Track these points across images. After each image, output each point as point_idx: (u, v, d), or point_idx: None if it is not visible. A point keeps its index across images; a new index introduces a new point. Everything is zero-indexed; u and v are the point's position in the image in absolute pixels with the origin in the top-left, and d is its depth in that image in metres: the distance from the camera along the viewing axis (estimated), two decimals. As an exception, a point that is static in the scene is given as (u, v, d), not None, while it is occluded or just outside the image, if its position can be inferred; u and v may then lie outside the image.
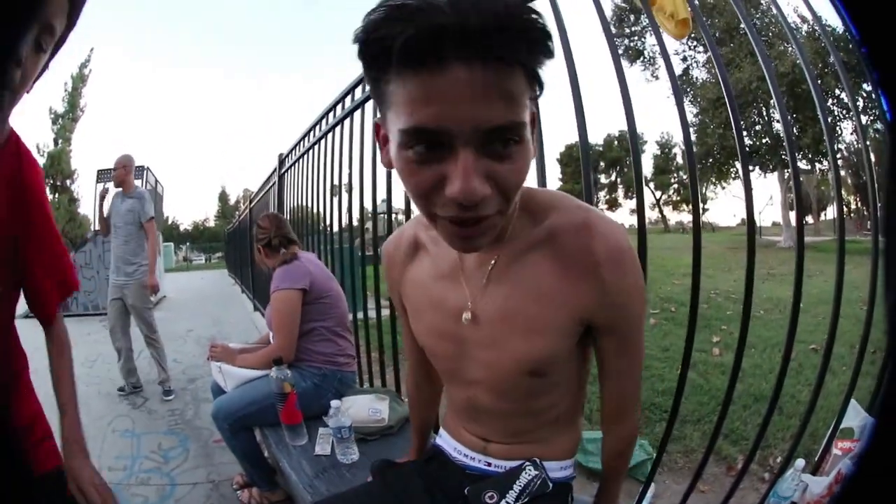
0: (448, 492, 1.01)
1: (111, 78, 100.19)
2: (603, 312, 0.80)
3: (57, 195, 30.93)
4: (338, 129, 2.88)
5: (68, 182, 31.62)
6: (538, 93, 0.64)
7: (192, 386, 4.46)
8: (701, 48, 20.93)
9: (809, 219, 38.10)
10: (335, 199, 2.95)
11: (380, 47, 0.57)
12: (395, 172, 0.69)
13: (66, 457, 1.05)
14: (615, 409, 0.93)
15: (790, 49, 17.84)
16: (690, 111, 24.49)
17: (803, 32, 16.30)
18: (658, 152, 53.58)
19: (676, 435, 2.94)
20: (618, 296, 0.78)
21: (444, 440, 1.09)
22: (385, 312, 2.46)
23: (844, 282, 1.38)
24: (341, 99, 2.81)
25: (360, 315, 2.79)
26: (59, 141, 31.41)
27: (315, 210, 3.56)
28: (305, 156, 3.78)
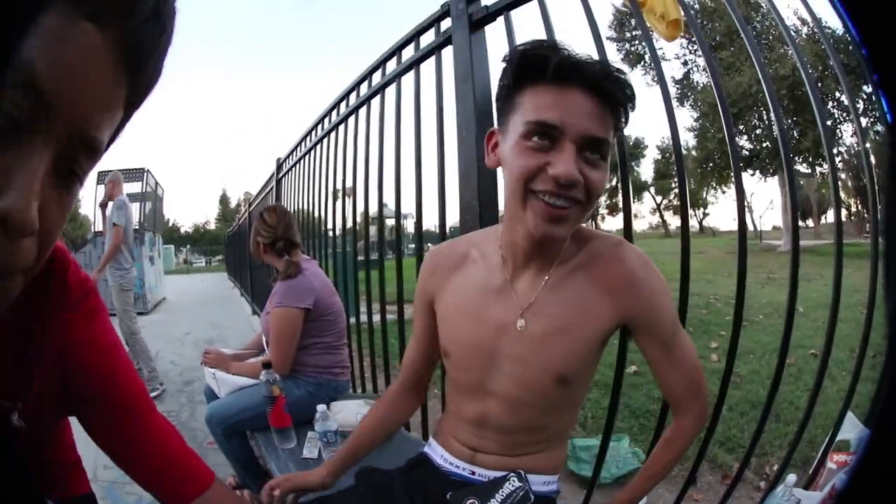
0: (429, 497, 1.03)
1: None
2: (641, 313, 0.91)
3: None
4: (333, 134, 2.91)
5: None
6: (622, 127, 0.87)
7: (188, 388, 4.44)
8: (701, 51, 20.93)
9: (810, 222, 38.11)
10: (336, 203, 2.93)
11: (538, 61, 0.81)
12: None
13: None
14: (676, 399, 0.98)
15: (790, 52, 17.88)
16: (691, 115, 24.54)
17: (803, 35, 16.30)
18: (658, 157, 53.60)
19: None
20: (651, 296, 0.91)
21: (433, 448, 1.12)
22: (390, 317, 2.44)
23: (844, 285, 1.34)
24: (335, 105, 2.85)
25: (355, 319, 2.79)
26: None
27: (313, 214, 3.57)
28: (302, 161, 3.83)
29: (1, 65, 0.27)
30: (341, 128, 2.78)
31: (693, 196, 53.76)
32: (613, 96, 0.81)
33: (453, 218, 1.79)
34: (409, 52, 2.02)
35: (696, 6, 20.86)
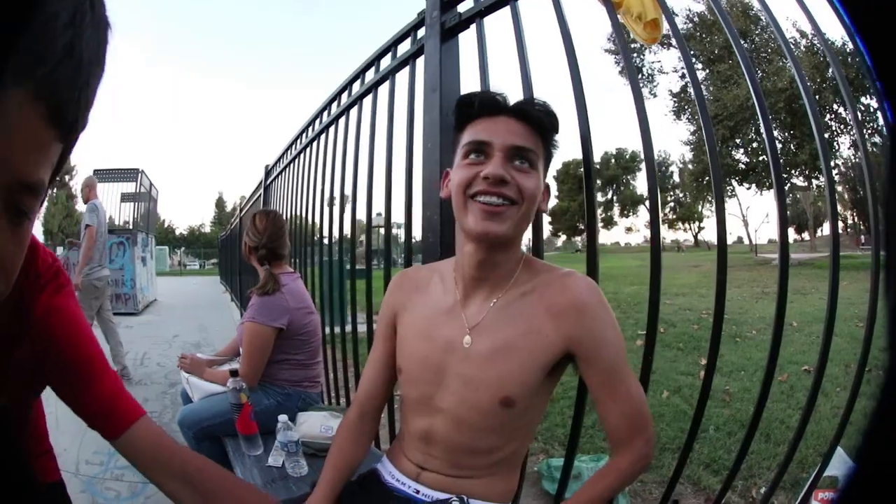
0: None
1: (114, 78, 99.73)
2: (583, 341, 0.94)
3: (55, 190, 31.03)
4: (316, 143, 2.93)
5: (67, 178, 31.61)
6: (552, 148, 1.02)
7: (172, 390, 4.41)
8: (700, 64, 21.01)
9: (805, 235, 38.12)
10: (324, 210, 2.91)
11: (468, 102, 1.01)
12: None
13: None
14: (614, 437, 0.98)
15: (788, 64, 17.89)
16: (687, 129, 24.61)
17: (802, 47, 16.39)
18: (657, 170, 53.81)
19: (654, 464, 2.79)
20: (595, 326, 0.94)
21: (383, 463, 1.15)
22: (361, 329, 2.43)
23: (839, 298, 1.31)
24: (318, 114, 2.87)
25: (340, 328, 2.74)
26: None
27: (297, 222, 3.56)
28: (287, 168, 3.86)
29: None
30: (323, 137, 2.80)
31: (689, 210, 53.97)
32: (536, 119, 0.97)
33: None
34: (387, 62, 2.03)
35: (696, 19, 20.97)
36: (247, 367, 2.15)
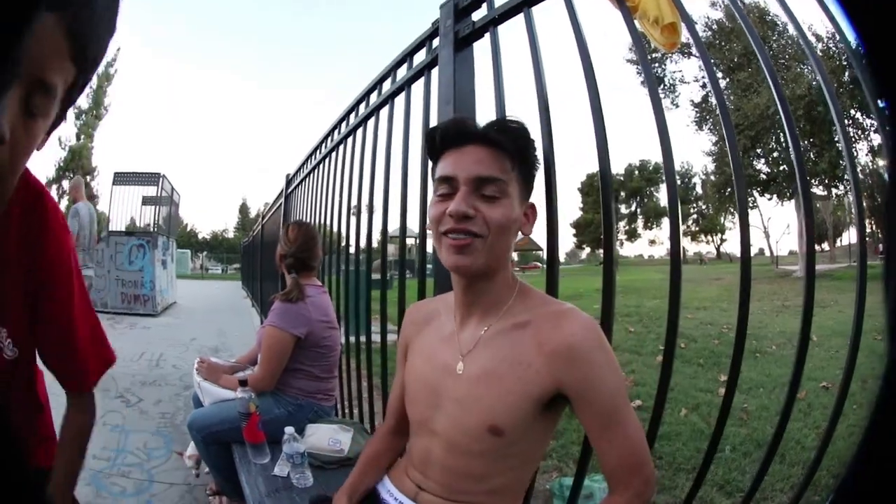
0: None
1: (139, 82, 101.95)
2: (575, 385, 0.92)
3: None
4: (334, 154, 2.95)
5: (88, 178, 32.14)
6: (527, 171, 1.01)
7: (186, 393, 4.43)
8: (720, 73, 20.75)
9: (825, 246, 37.41)
10: (341, 221, 2.92)
11: (430, 139, 1.04)
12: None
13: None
14: (610, 477, 0.96)
15: (806, 70, 17.65)
16: (709, 139, 24.33)
17: (818, 52, 16.15)
18: (678, 182, 53.33)
19: (668, 485, 2.76)
20: (589, 370, 0.91)
21: (383, 482, 1.20)
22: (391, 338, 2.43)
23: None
24: (337, 125, 2.88)
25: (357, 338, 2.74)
26: (82, 136, 31.98)
27: (320, 231, 3.60)
28: (307, 179, 3.89)
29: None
30: (341, 147, 2.82)
31: (711, 222, 53.36)
32: (499, 142, 0.96)
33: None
34: (403, 72, 2.02)
35: (714, 27, 20.76)
36: (263, 370, 2.18)
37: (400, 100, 2.01)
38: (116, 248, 10.40)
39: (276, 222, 5.85)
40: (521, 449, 0.99)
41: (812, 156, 19.00)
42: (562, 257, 1.36)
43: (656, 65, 23.61)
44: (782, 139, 20.59)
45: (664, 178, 1.23)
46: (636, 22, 1.37)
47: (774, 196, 22.31)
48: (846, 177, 19.71)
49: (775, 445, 1.33)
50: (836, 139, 18.03)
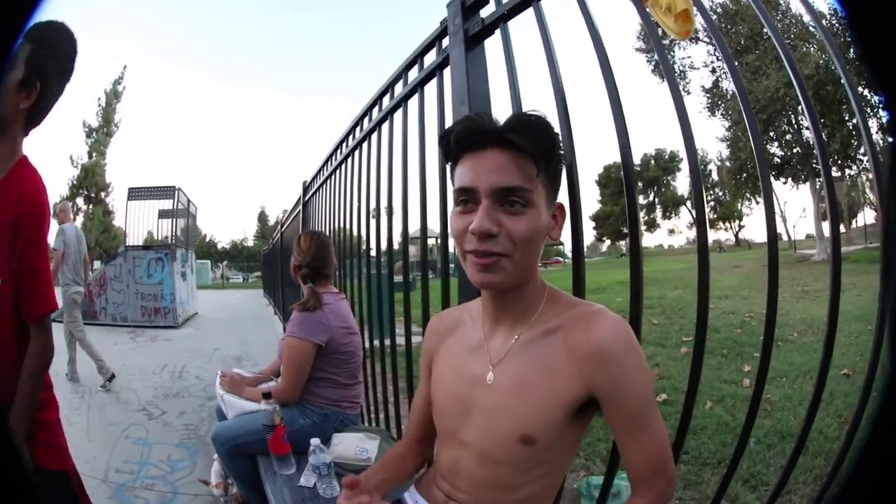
0: None
1: (150, 94, 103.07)
2: (607, 388, 0.90)
3: (91, 206, 32.07)
4: (350, 159, 2.95)
5: (103, 194, 32.71)
6: (553, 171, 0.94)
7: (209, 404, 4.45)
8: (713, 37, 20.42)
9: (842, 227, 36.87)
10: (363, 224, 2.92)
11: (446, 142, 0.95)
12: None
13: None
14: (635, 478, 0.95)
15: (812, 50, 17.39)
16: (722, 125, 24.08)
17: (826, 17, 15.89)
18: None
19: (693, 480, 2.72)
20: (620, 372, 0.89)
21: (410, 493, 1.17)
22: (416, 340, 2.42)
23: (872, 295, 1.18)
24: (351, 130, 2.89)
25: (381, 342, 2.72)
26: (94, 154, 32.58)
27: (337, 237, 3.61)
28: (324, 185, 3.91)
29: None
30: (356, 153, 2.82)
31: (728, 208, 52.78)
32: (522, 146, 0.87)
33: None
34: (414, 74, 2.00)
35: (719, 10, 20.56)
36: (286, 382, 2.19)
37: (414, 101, 2.00)
38: (135, 263, 10.57)
39: (295, 229, 5.89)
40: (552, 457, 0.98)
41: (824, 136, 18.76)
42: (584, 250, 1.33)
43: (666, 51, 23.34)
44: (794, 121, 20.34)
45: (683, 165, 1.20)
46: (648, 10, 1.33)
47: (790, 179, 22.01)
48: (859, 156, 19.43)
49: (801, 443, 1.32)
50: (846, 119, 17.78)
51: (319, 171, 4.08)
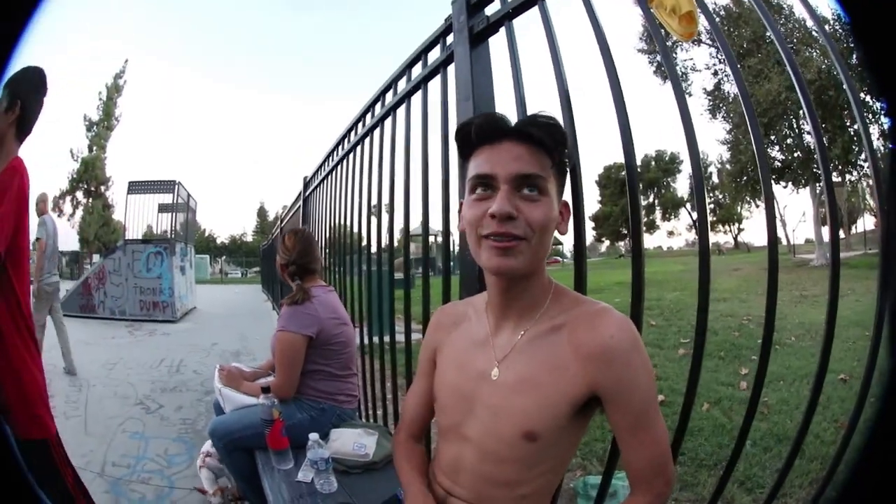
0: None
1: (151, 91, 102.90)
2: (610, 387, 0.91)
3: (91, 200, 32.04)
4: (351, 155, 2.95)
5: (102, 188, 32.72)
6: (561, 167, 0.97)
7: (207, 398, 4.48)
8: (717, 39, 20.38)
9: (840, 233, 36.77)
10: (361, 222, 2.93)
11: (465, 133, 0.98)
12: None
13: None
14: (635, 477, 0.96)
15: (816, 54, 17.39)
16: (723, 128, 24.09)
17: (829, 25, 15.91)
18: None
19: (690, 481, 2.72)
20: (624, 372, 0.90)
21: None
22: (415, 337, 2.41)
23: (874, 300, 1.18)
24: (354, 125, 2.89)
25: (381, 339, 2.73)
26: (94, 148, 32.56)
27: (336, 233, 3.62)
28: (325, 181, 3.92)
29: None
30: (359, 148, 2.82)
31: (728, 211, 52.78)
32: (538, 138, 0.92)
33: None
34: (418, 70, 2.00)
35: (722, 13, 20.53)
36: (281, 377, 2.20)
37: (417, 98, 2.00)
38: (133, 257, 10.57)
39: (295, 224, 5.90)
40: (554, 454, 0.99)
41: (825, 141, 18.73)
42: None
43: (670, 53, 23.31)
44: (795, 125, 20.32)
45: (684, 167, 1.20)
46: (653, 11, 1.34)
47: (790, 183, 22.00)
48: (859, 162, 19.44)
49: (797, 446, 1.33)
50: (847, 124, 17.77)
51: (320, 166, 4.08)
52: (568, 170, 1.01)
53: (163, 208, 11.72)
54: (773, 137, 21.09)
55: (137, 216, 11.64)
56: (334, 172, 3.49)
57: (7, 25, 0.68)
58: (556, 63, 1.33)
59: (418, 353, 1.57)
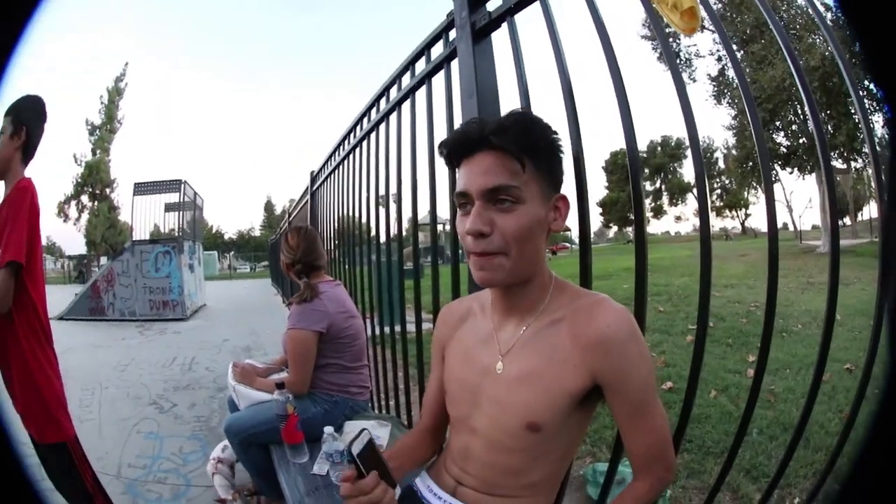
0: None
1: (154, 91, 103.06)
2: (610, 375, 0.93)
3: (96, 203, 32.18)
4: (357, 150, 2.97)
5: (108, 190, 32.88)
6: (549, 164, 0.96)
7: (220, 395, 4.50)
8: (735, 46, 20.09)
9: (847, 220, 36.45)
10: (372, 212, 2.94)
11: (441, 152, 1.02)
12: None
13: None
14: (635, 463, 1.00)
15: (819, 41, 17.19)
16: (728, 113, 23.90)
17: (828, 20, 15.71)
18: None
19: (696, 468, 2.73)
20: (623, 360, 0.93)
21: (422, 478, 1.22)
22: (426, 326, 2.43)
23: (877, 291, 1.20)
24: (359, 121, 2.90)
25: (392, 329, 2.75)
26: (98, 151, 32.69)
27: (344, 226, 3.65)
28: (332, 175, 3.94)
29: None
30: (364, 143, 2.84)
31: (735, 196, 52.46)
32: (503, 146, 0.92)
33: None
34: (422, 65, 2.01)
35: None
36: (295, 374, 2.23)
37: (421, 93, 2.01)
38: (142, 257, 10.60)
39: (303, 218, 5.92)
40: (558, 444, 1.02)
41: (829, 128, 18.46)
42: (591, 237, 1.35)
43: (671, 39, 23.16)
44: (800, 112, 20.11)
45: (694, 178, 1.21)
46: (654, 5, 1.35)
47: (795, 169, 21.81)
48: (865, 149, 19.23)
49: (798, 435, 1.34)
50: (852, 112, 17.56)
51: (328, 160, 4.09)
52: (559, 161, 0.99)
53: (169, 207, 11.73)
54: (777, 124, 20.89)
55: (144, 217, 11.68)
56: (342, 166, 3.51)
57: (7, 25, 0.69)
58: (558, 56, 1.34)
59: (429, 342, 1.61)
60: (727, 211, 56.54)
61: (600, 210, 63.23)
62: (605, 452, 2.91)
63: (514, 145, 0.91)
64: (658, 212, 61.51)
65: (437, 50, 1.87)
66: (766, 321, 1.17)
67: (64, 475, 1.80)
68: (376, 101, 2.59)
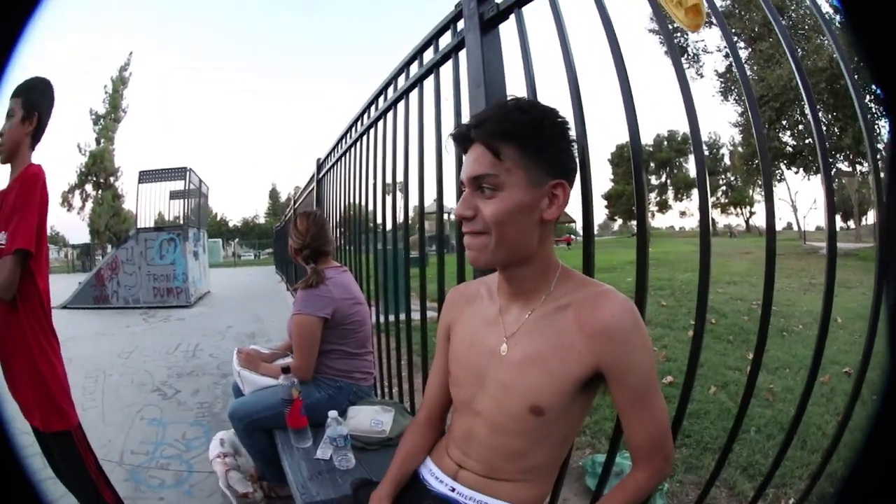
0: None
1: (159, 80, 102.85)
2: (614, 364, 0.95)
3: (101, 191, 32.23)
4: (369, 133, 2.96)
5: (112, 179, 32.89)
6: (539, 151, 0.96)
7: (224, 381, 4.52)
8: (742, 43, 20.01)
9: (851, 223, 36.24)
10: (378, 200, 2.95)
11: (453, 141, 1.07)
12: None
13: None
14: (635, 453, 1.02)
15: (827, 42, 17.10)
16: (735, 110, 23.79)
17: (837, 23, 15.61)
18: (706, 152, 52.09)
19: (694, 464, 2.75)
20: (626, 350, 0.95)
21: (425, 463, 1.23)
22: (430, 315, 2.44)
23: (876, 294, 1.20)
24: (366, 109, 2.91)
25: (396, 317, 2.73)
26: (102, 140, 32.75)
27: (349, 214, 3.66)
28: (338, 163, 3.95)
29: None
30: (372, 131, 2.85)
31: (740, 194, 52.22)
32: (481, 137, 0.97)
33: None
34: (430, 55, 2.02)
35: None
36: (299, 359, 2.25)
37: (429, 82, 2.02)
38: (146, 245, 10.61)
39: (308, 205, 5.93)
40: (560, 428, 1.04)
41: (836, 130, 18.36)
42: (594, 229, 1.36)
43: (679, 34, 23.02)
44: (807, 111, 19.95)
45: (695, 170, 1.23)
46: (660, 2, 1.36)
47: (801, 169, 21.71)
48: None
49: (791, 435, 1.37)
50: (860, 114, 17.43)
51: (334, 148, 4.10)
52: (551, 146, 0.98)
53: (174, 195, 11.73)
54: (784, 123, 20.79)
55: (149, 205, 11.67)
56: (348, 154, 3.52)
57: (9, 21, 0.69)
58: (564, 49, 1.35)
59: (433, 330, 1.62)
60: (732, 208, 56.36)
61: (605, 202, 63.06)
62: (604, 444, 2.92)
63: (489, 136, 0.96)
64: (663, 206, 61.33)
65: (445, 40, 1.88)
66: (763, 317, 1.20)
67: (67, 463, 1.81)
68: (384, 89, 2.59)
